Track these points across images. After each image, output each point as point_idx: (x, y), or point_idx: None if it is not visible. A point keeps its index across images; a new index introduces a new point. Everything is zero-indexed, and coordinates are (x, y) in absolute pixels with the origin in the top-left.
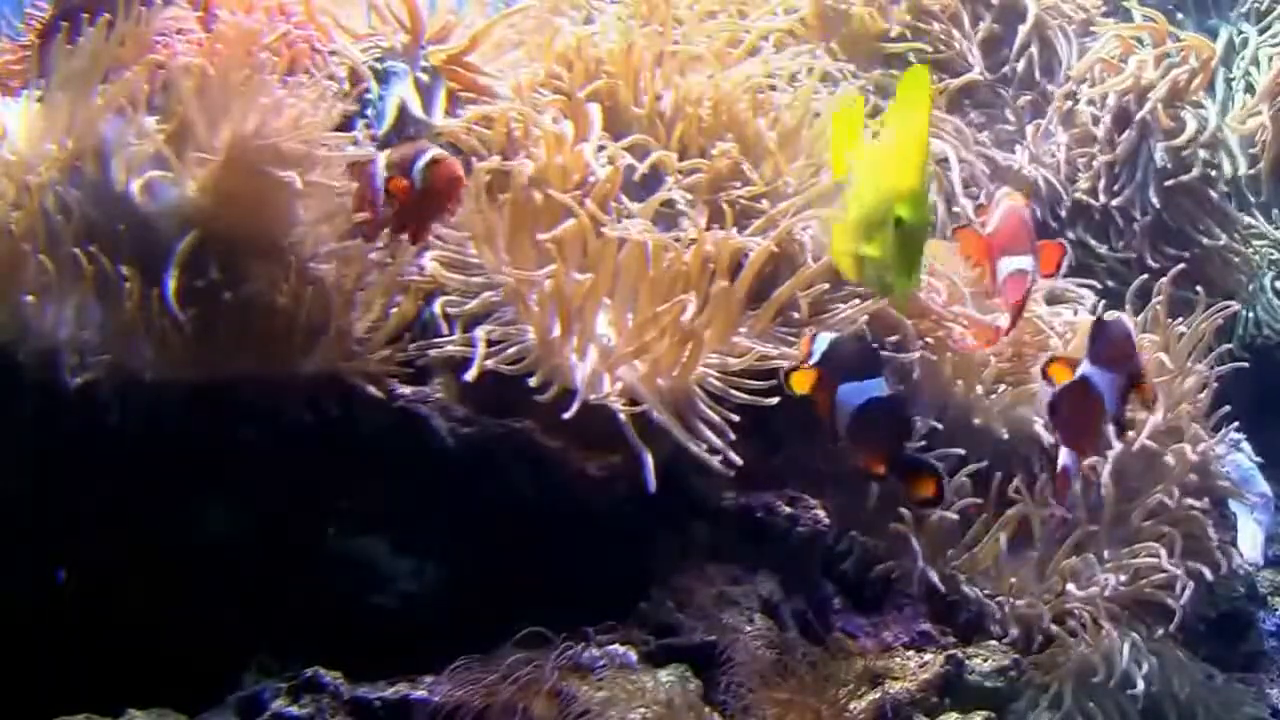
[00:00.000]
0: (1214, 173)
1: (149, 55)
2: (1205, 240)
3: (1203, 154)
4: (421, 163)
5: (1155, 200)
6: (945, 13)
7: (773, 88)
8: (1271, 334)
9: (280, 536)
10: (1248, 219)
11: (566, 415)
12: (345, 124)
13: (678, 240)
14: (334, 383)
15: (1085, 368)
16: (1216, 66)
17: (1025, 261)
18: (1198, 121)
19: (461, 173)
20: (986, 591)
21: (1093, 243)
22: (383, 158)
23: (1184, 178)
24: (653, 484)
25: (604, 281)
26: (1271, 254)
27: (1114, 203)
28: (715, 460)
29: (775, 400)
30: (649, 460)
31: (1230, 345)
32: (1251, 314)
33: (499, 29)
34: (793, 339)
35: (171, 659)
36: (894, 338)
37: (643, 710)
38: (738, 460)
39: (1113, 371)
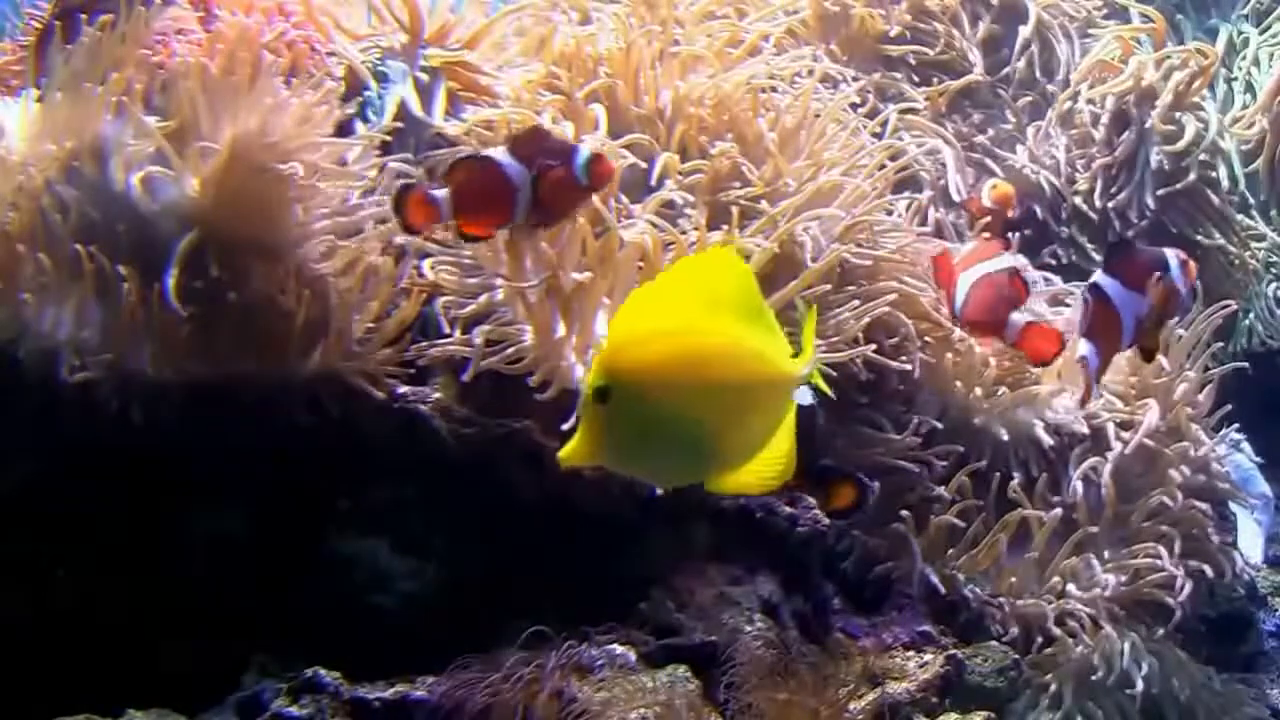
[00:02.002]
0: (1213, 174)
1: (148, 55)
2: (1204, 241)
3: (1202, 157)
4: (583, 159)
5: (1152, 203)
6: (945, 14)
7: (773, 89)
8: (1261, 340)
9: (280, 536)
10: (1247, 220)
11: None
12: (345, 125)
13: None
14: (334, 383)
15: (1099, 277)
16: (1217, 68)
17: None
18: (1196, 127)
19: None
20: (986, 592)
21: (1089, 245)
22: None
23: (1179, 185)
24: None
25: (603, 281)
26: (1270, 257)
27: (1111, 205)
28: None
29: None
30: None
31: (1222, 344)
32: (1246, 321)
33: (498, 28)
34: (793, 339)
35: (172, 659)
36: (893, 339)
37: (642, 710)
38: None
39: (1131, 290)
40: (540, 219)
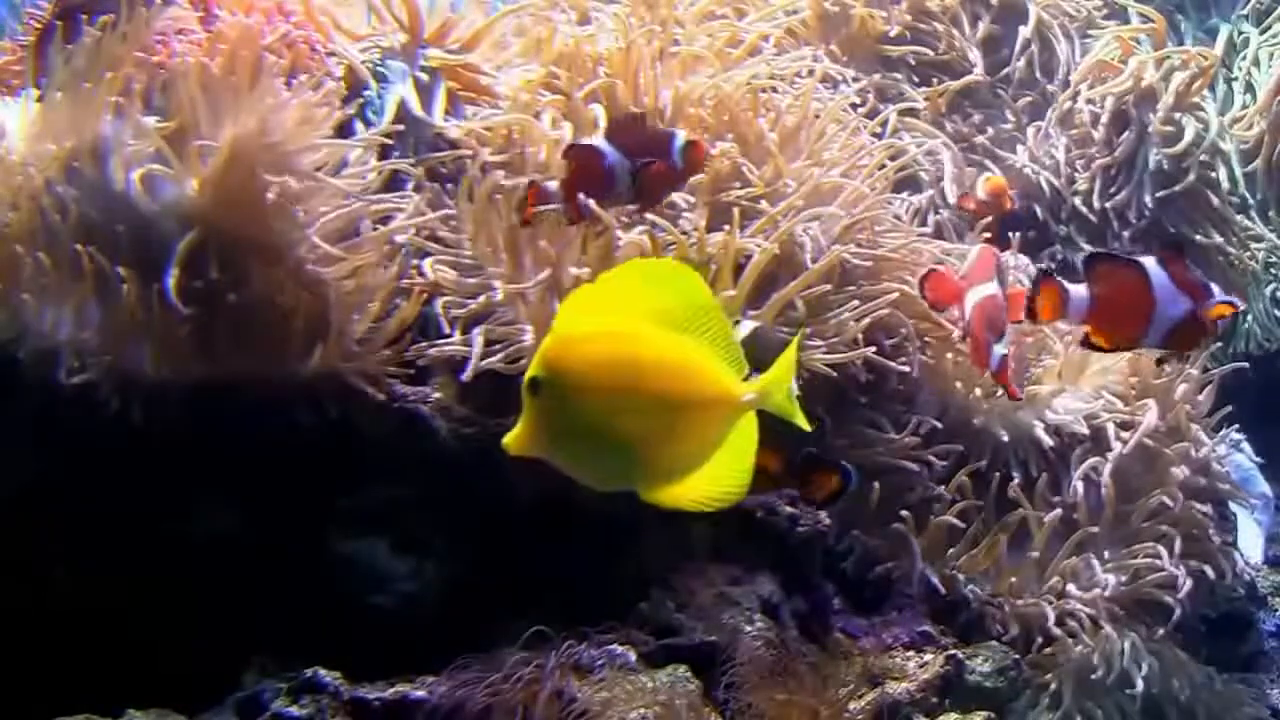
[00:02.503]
0: (1213, 175)
1: (148, 55)
2: (1202, 241)
3: (1202, 158)
4: (680, 144)
5: (1151, 203)
6: (945, 14)
7: (774, 89)
8: (1259, 343)
9: (280, 536)
10: (1245, 221)
11: None
12: (345, 125)
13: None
14: (334, 383)
15: (1147, 261)
16: (1217, 68)
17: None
18: (1196, 128)
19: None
20: (986, 592)
21: (1088, 245)
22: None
23: (1178, 186)
24: None
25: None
26: (1269, 258)
27: (1110, 205)
28: None
29: None
30: None
31: (1221, 344)
32: (1246, 324)
33: (498, 28)
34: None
35: (171, 659)
36: (893, 340)
37: (642, 710)
38: None
39: (1175, 284)
40: (639, 203)
